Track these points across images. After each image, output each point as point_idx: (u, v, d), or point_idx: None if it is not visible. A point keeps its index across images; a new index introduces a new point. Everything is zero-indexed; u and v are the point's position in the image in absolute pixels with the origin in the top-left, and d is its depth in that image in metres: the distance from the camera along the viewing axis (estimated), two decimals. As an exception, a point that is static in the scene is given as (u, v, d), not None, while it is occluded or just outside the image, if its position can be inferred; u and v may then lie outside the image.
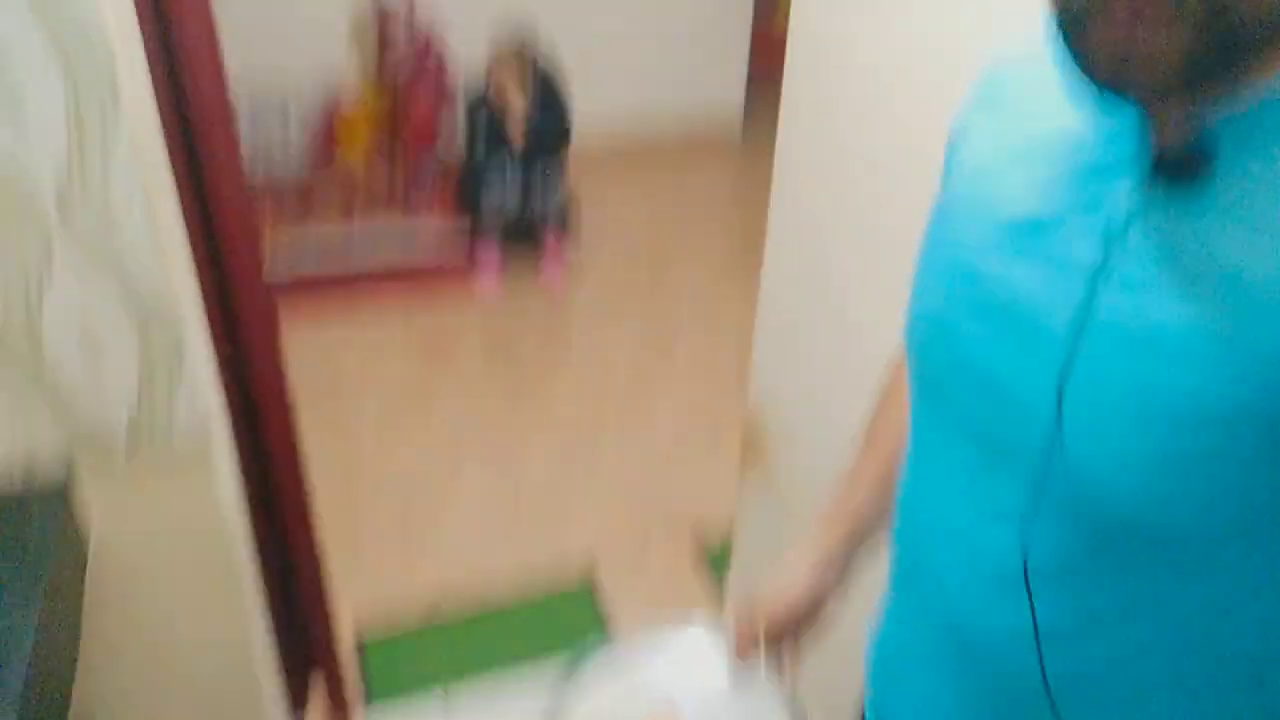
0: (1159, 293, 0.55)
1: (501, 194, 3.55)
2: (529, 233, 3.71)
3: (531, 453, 2.84)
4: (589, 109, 3.84)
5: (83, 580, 1.21)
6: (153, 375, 1.18)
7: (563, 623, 2.28)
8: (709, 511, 2.64)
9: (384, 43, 3.94)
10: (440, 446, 2.85)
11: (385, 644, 2.19)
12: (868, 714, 0.89)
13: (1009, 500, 0.63)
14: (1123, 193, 0.57)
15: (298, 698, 1.78)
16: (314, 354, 3.23)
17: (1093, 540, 0.60)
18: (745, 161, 4.91)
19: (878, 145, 1.35)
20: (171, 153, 1.21)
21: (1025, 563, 0.63)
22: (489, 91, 3.50)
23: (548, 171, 3.58)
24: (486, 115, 3.52)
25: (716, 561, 2.48)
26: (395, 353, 3.30)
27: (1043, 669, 0.64)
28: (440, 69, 4.03)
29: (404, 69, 3.99)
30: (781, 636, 0.95)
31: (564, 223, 3.75)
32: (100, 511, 1.25)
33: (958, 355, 0.66)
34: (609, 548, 2.50)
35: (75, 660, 1.13)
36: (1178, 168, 0.54)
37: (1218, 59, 0.50)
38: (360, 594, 2.29)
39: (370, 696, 2.05)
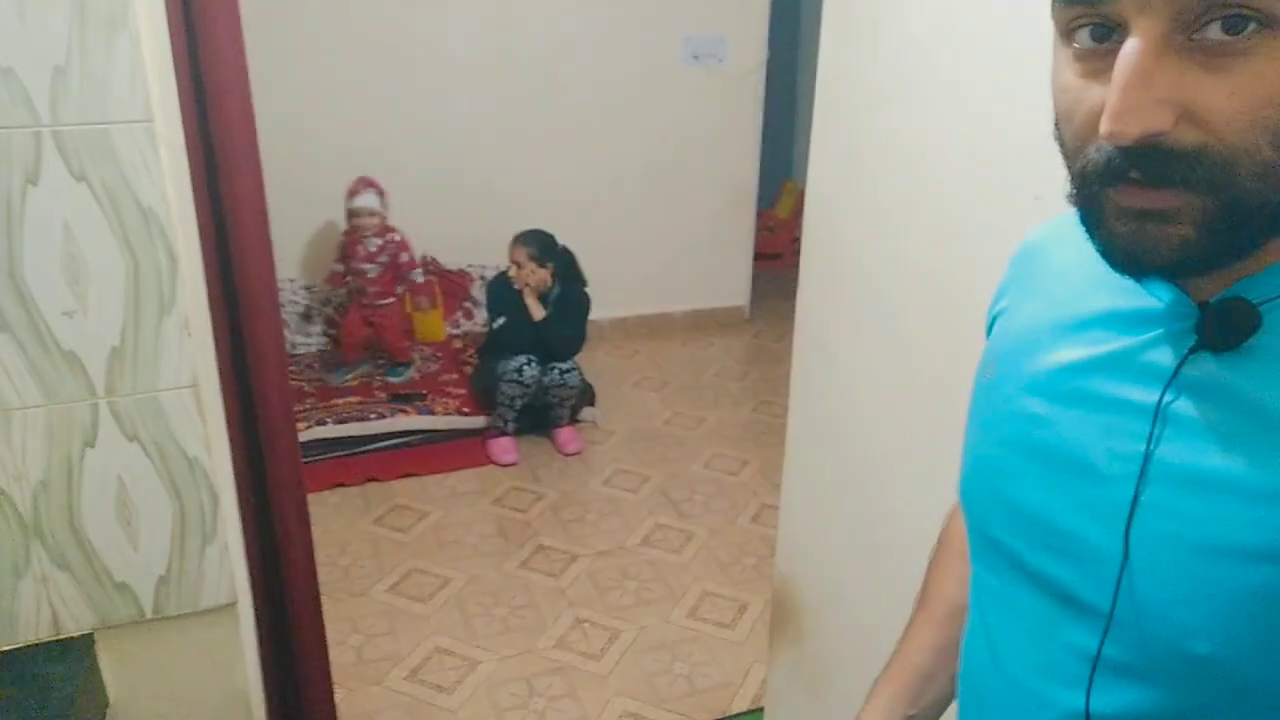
0: (1212, 438, 0.56)
1: (518, 390, 3.64)
2: (545, 413, 3.79)
3: (547, 627, 2.80)
4: (602, 300, 3.99)
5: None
6: (184, 536, 1.21)
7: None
8: (729, 681, 2.58)
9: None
10: (453, 615, 2.82)
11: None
12: None
13: (1075, 644, 0.63)
14: (1172, 340, 0.59)
15: None
16: (326, 522, 3.25)
17: (1160, 685, 0.60)
18: (753, 334, 5.07)
19: (897, 307, 1.42)
20: (215, 321, 1.29)
21: (1087, 709, 0.62)
22: (511, 281, 3.66)
23: (564, 372, 3.70)
24: (509, 298, 3.66)
25: (737, 735, 2.41)
26: (410, 520, 3.31)
27: None
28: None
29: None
30: None
31: (579, 407, 3.86)
32: (121, 666, 1.26)
33: (1013, 503, 0.67)
34: (626, 716, 2.43)
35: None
36: (1223, 318, 0.57)
37: (1233, 245, 0.53)
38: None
39: None
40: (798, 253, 5.81)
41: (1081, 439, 0.62)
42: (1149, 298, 0.62)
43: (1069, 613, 0.63)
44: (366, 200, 3.77)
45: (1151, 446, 0.59)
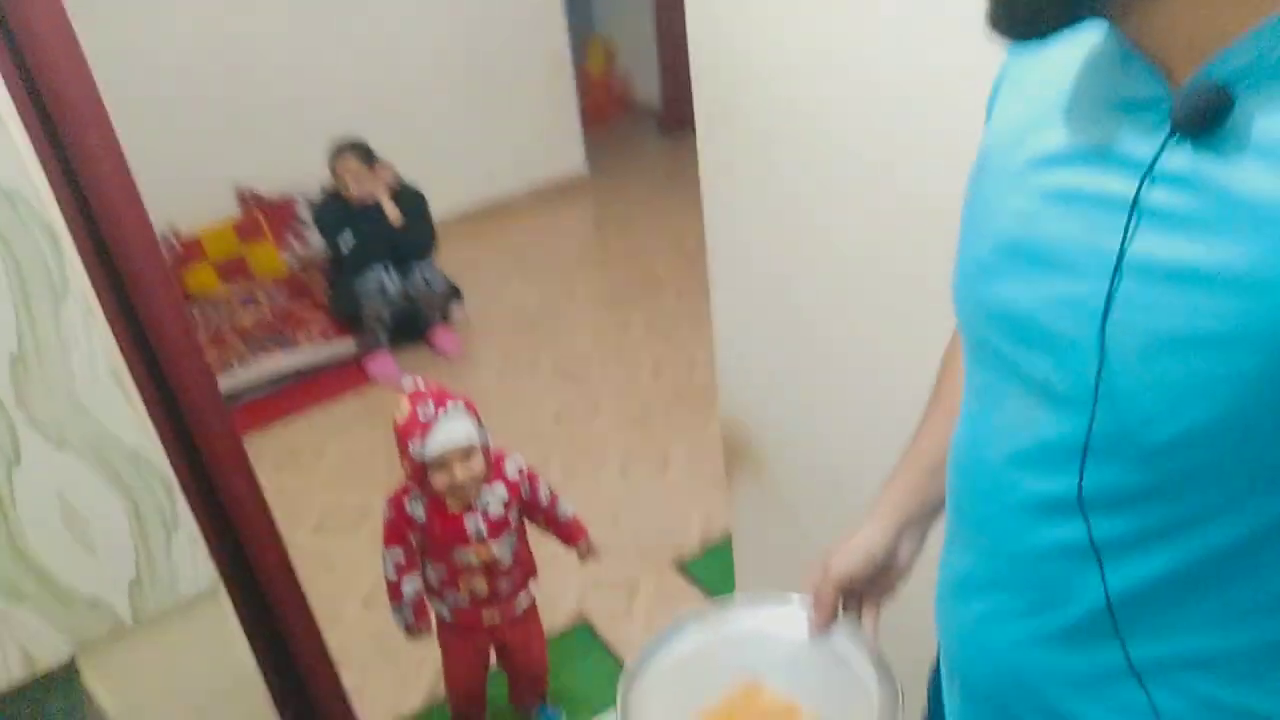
0: (1186, 229, 0.56)
1: (383, 305, 3.48)
2: (415, 321, 3.67)
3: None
4: (440, 197, 3.81)
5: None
6: (145, 533, 1.12)
7: (570, 664, 2.28)
8: (674, 528, 2.66)
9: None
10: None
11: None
12: (941, 658, 0.90)
13: (1053, 436, 0.65)
14: (1147, 131, 0.59)
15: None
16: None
17: (1128, 470, 0.62)
18: (598, 197, 5.01)
19: (795, 145, 1.41)
20: (102, 297, 1.15)
21: (1080, 492, 0.64)
22: (344, 193, 3.45)
23: (426, 276, 3.55)
24: (345, 214, 3.45)
25: (700, 569, 2.50)
26: (308, 460, 3.19)
27: (1105, 588, 0.65)
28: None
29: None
30: (857, 593, 0.95)
31: (448, 308, 3.74)
32: (113, 683, 1.18)
33: (998, 302, 0.68)
34: (592, 589, 2.48)
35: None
36: (1195, 105, 0.55)
37: None
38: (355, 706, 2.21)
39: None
40: (618, 106, 5.74)
41: (1061, 235, 0.62)
42: (1129, 84, 0.61)
43: (1048, 405, 0.65)
44: (457, 429, 1.74)
45: (1127, 240, 0.59)
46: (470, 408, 1.73)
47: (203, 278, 4.02)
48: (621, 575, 2.52)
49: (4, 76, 0.99)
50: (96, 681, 1.15)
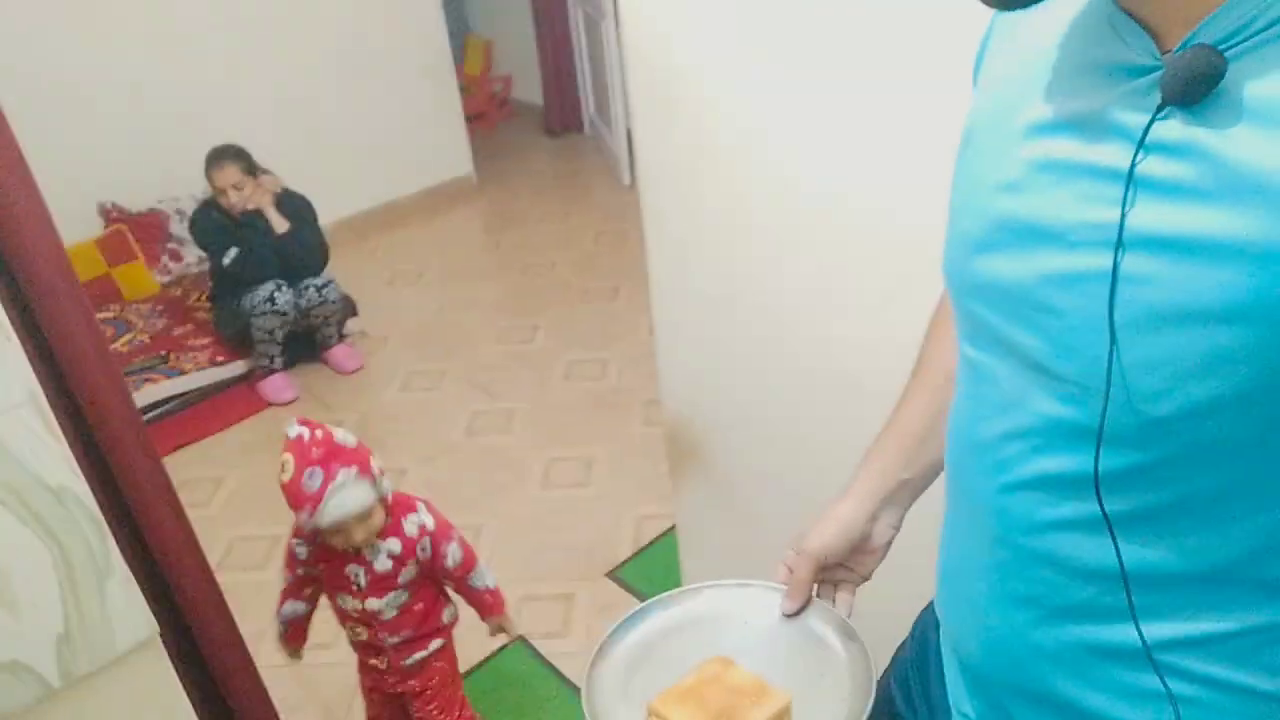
0: (1182, 200, 0.54)
1: (276, 322, 3.28)
2: (310, 337, 3.48)
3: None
4: (324, 205, 3.63)
5: None
6: (75, 581, 0.99)
7: (510, 683, 2.20)
8: (607, 535, 2.59)
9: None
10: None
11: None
12: (943, 642, 0.88)
13: (1045, 412, 0.64)
14: (1139, 98, 0.57)
15: None
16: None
17: (1121, 447, 0.61)
18: (488, 200, 4.90)
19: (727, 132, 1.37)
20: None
21: (1096, 467, 0.62)
22: (223, 203, 3.23)
23: (319, 288, 3.36)
24: (226, 227, 3.24)
25: (634, 574, 2.45)
26: (206, 494, 2.98)
27: (1120, 560, 0.64)
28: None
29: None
30: (832, 573, 0.93)
31: (344, 323, 3.57)
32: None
33: (988, 276, 0.66)
34: (525, 605, 2.39)
35: None
36: (1185, 71, 0.53)
37: None
38: None
39: None
40: (500, 107, 5.65)
41: (1052, 207, 0.60)
42: (1119, 49, 0.59)
43: (1040, 381, 0.64)
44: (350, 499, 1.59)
45: (1125, 212, 0.57)
46: (363, 464, 1.57)
47: (68, 303, 3.72)
48: (554, 589, 2.45)
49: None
50: (24, 753, 1.01)
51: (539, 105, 5.57)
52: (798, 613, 0.91)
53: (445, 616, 1.82)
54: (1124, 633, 0.66)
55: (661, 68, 1.45)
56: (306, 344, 3.50)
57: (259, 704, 1.40)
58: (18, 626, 0.96)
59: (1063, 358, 0.61)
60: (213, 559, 2.66)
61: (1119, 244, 0.57)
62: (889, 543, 0.92)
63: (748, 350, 1.57)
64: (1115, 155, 0.57)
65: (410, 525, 1.67)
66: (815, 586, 0.91)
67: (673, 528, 2.57)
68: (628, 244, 4.18)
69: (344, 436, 1.56)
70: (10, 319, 1.01)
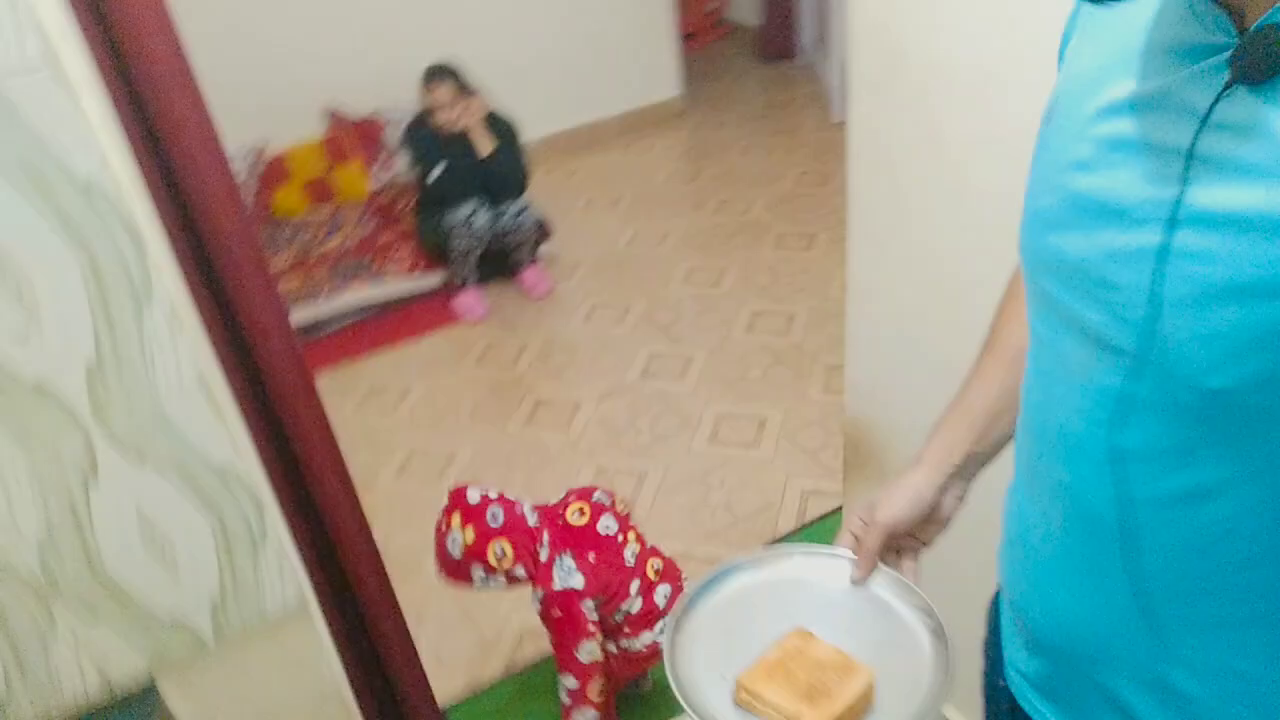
0: (1242, 177, 0.55)
1: (472, 241, 3.35)
2: (504, 257, 3.54)
3: (567, 476, 2.69)
4: (532, 122, 3.63)
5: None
6: (231, 551, 1.02)
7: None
8: (770, 502, 2.52)
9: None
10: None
11: (469, 705, 2.08)
12: (1003, 604, 0.89)
13: (1108, 386, 0.65)
14: (1208, 78, 0.57)
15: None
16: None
17: (1180, 420, 0.61)
18: (693, 126, 4.77)
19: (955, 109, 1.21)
20: (194, 294, 1.03)
21: (1116, 443, 0.65)
22: (434, 122, 3.30)
23: (516, 213, 3.40)
24: (435, 143, 3.31)
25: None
26: (393, 399, 3.12)
27: (1130, 546, 0.67)
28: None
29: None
30: (897, 542, 0.94)
31: (537, 245, 3.60)
32: (194, 703, 1.09)
33: (1059, 253, 0.67)
34: (683, 564, 2.37)
35: None
36: (1255, 50, 0.54)
37: None
38: (430, 664, 2.15)
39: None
40: (714, 27, 5.45)
41: (1120, 185, 0.61)
42: (1197, 31, 0.59)
43: (1103, 356, 0.65)
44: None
45: (1183, 190, 0.58)
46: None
47: (289, 199, 3.95)
48: (710, 551, 2.41)
49: (84, 34, 0.85)
50: (177, 702, 1.07)
51: (755, 27, 5.34)
52: (864, 580, 0.93)
53: None
54: (1194, 607, 0.67)
55: (891, 25, 1.30)
56: (500, 263, 3.56)
57: (411, 666, 1.44)
58: (178, 588, 1.01)
59: (1122, 332, 0.63)
60: (392, 466, 2.82)
61: (1175, 220, 0.58)
62: (954, 513, 0.94)
63: (948, 349, 1.43)
64: (1180, 133, 0.58)
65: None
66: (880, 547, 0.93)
67: (839, 509, 2.48)
68: (829, 187, 3.98)
69: None
70: (198, 304, 1.03)
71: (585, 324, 3.39)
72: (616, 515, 1.82)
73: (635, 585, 1.74)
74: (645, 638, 1.78)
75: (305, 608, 1.11)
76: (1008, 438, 0.91)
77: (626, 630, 1.77)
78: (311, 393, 1.16)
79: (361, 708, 1.37)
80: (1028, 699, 0.85)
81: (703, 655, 0.88)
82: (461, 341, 3.38)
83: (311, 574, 1.26)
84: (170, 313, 0.88)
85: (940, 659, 0.85)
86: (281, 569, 1.06)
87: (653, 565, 1.77)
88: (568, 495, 1.85)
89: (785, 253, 3.64)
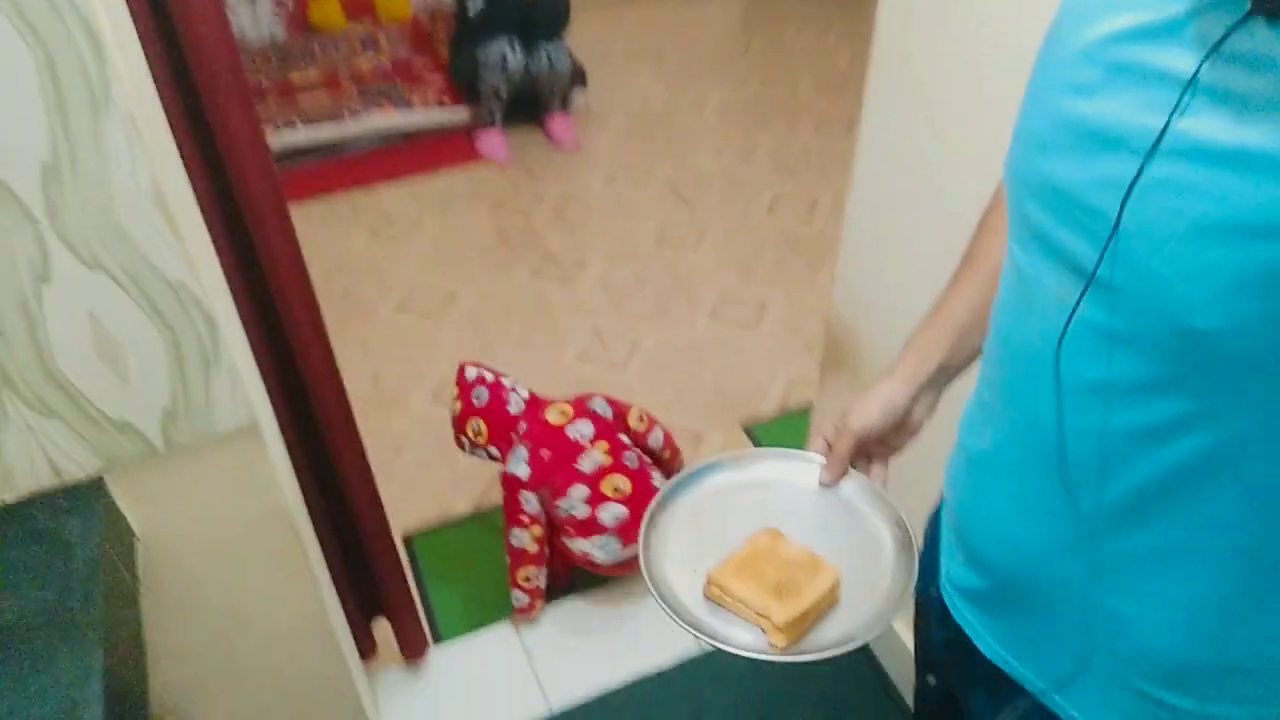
0: (1241, 111, 0.53)
1: (503, 80, 3.26)
2: (534, 101, 3.45)
3: (563, 332, 2.72)
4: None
5: (135, 578, 1.12)
6: (183, 362, 1.05)
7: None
8: (757, 386, 2.54)
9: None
10: (467, 333, 2.72)
11: (433, 536, 2.17)
12: (942, 518, 0.92)
13: (1085, 317, 0.64)
14: (1226, 8, 0.54)
15: (365, 647, 1.73)
16: (315, 240, 3.05)
17: (1158, 355, 0.61)
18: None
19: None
20: (166, 103, 1.02)
21: (1102, 376, 0.64)
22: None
23: (551, 55, 3.28)
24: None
25: (768, 436, 2.40)
26: (404, 231, 3.12)
27: (1109, 480, 0.67)
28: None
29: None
30: (868, 448, 0.96)
31: (569, 92, 3.50)
32: (141, 501, 1.14)
33: (1047, 178, 0.65)
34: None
35: (145, 669, 1.05)
36: None
37: None
38: (402, 494, 2.24)
39: (423, 589, 2.03)
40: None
41: (1118, 112, 0.59)
42: None
43: (1078, 284, 0.64)
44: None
45: (1174, 117, 0.56)
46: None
47: (328, 11, 3.84)
48: (688, 423, 2.45)
49: None
50: (125, 499, 1.11)
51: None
52: (835, 483, 0.96)
53: None
54: (1136, 538, 0.68)
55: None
56: (530, 108, 3.49)
57: (368, 499, 1.49)
58: (128, 394, 1.04)
59: (1108, 264, 0.61)
60: (393, 299, 2.84)
61: (1169, 150, 0.56)
62: (925, 422, 0.96)
63: (938, 265, 1.40)
64: (1186, 61, 0.56)
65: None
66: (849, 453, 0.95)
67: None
68: (883, 75, 3.83)
69: None
70: (173, 120, 1.02)
71: (606, 183, 3.34)
72: (599, 423, 1.85)
73: (581, 491, 1.78)
74: (580, 544, 1.83)
75: (257, 429, 1.14)
76: (979, 350, 0.90)
77: (568, 530, 1.83)
78: (283, 214, 1.16)
79: (318, 532, 1.43)
80: (960, 612, 0.88)
81: (675, 550, 0.91)
82: (480, 182, 3.34)
83: (272, 396, 1.29)
84: (128, 122, 0.87)
85: (903, 561, 0.89)
86: (234, 390, 1.08)
87: (613, 482, 1.80)
88: (574, 400, 1.90)
89: (822, 139, 3.54)
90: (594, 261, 2.99)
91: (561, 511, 1.81)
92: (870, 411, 0.93)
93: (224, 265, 1.17)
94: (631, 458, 1.85)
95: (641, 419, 1.95)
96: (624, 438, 1.89)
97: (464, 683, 1.87)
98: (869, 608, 0.86)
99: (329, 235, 3.11)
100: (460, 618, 1.99)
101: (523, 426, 1.84)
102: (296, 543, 1.26)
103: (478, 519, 2.21)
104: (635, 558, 1.82)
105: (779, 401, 2.52)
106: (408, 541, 2.16)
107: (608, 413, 1.89)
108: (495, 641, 1.94)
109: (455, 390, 1.91)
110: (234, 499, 1.18)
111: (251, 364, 1.22)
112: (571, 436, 1.82)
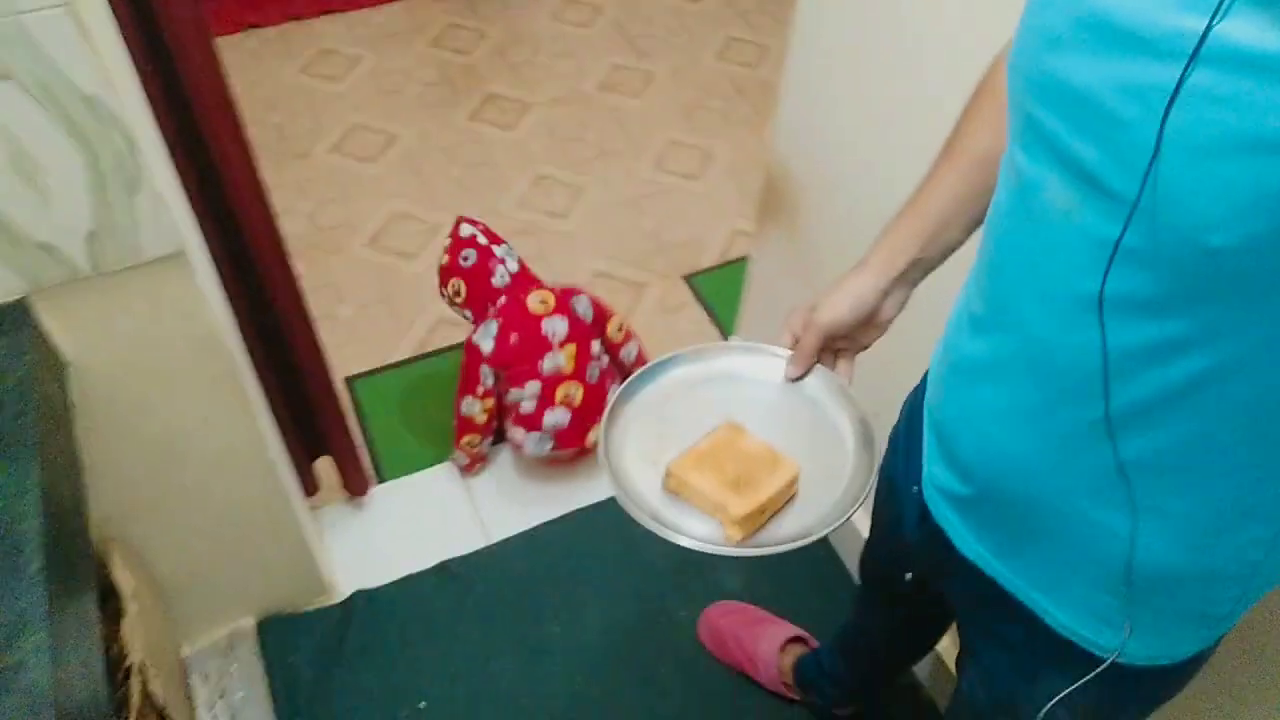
0: None
1: None
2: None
3: (504, 178, 2.68)
4: None
5: (69, 403, 1.12)
6: (104, 180, 1.02)
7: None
8: (698, 237, 2.55)
9: None
10: (406, 177, 2.66)
11: (375, 379, 2.18)
12: (925, 414, 0.91)
13: (1095, 230, 0.61)
14: None
15: (308, 485, 1.76)
16: (246, 74, 2.92)
17: (1171, 274, 0.58)
18: None
19: None
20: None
21: (1103, 291, 0.62)
22: None
23: None
24: None
25: (709, 286, 2.43)
26: (340, 68, 2.99)
27: (1107, 397, 0.65)
28: None
29: None
30: (835, 343, 0.95)
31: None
32: (70, 327, 1.13)
33: (1059, 79, 0.61)
34: (597, 282, 2.42)
35: (82, 486, 1.07)
36: None
37: None
38: (343, 338, 2.24)
39: (366, 431, 2.06)
40: None
41: (1146, 10, 0.55)
42: None
43: (1094, 197, 0.61)
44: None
45: (1215, 20, 0.51)
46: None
47: None
48: (629, 274, 2.46)
49: None
50: (55, 325, 1.10)
51: None
52: (800, 378, 0.94)
53: None
54: (1142, 453, 0.67)
55: None
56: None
57: (302, 326, 1.48)
58: (49, 214, 1.01)
59: (1121, 174, 0.58)
60: (330, 138, 2.76)
61: (1201, 55, 0.52)
62: (894, 318, 0.93)
63: (879, 115, 1.40)
64: None
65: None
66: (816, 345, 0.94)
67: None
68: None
69: None
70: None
71: (551, 21, 3.22)
72: (575, 325, 1.83)
73: (534, 388, 1.80)
74: (515, 432, 1.87)
75: (185, 256, 1.12)
76: (955, 246, 0.89)
77: (509, 413, 1.86)
78: (205, 40, 1.11)
79: (258, 374, 1.43)
80: (945, 516, 0.88)
81: (635, 443, 0.90)
82: (420, 17, 3.20)
83: (207, 238, 1.27)
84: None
85: (864, 459, 0.88)
86: (158, 214, 1.06)
87: (567, 389, 1.82)
88: (560, 292, 1.86)
89: (774, -19, 3.43)
90: (537, 105, 2.91)
91: (509, 398, 1.83)
92: (839, 306, 0.90)
93: (149, 96, 1.12)
94: (594, 370, 1.86)
95: (620, 329, 1.94)
96: (596, 345, 1.88)
97: (406, 517, 1.93)
98: (827, 503, 0.85)
99: (261, 70, 2.97)
100: (402, 458, 2.03)
101: (501, 301, 1.83)
102: (231, 368, 1.27)
103: (421, 363, 2.23)
104: (560, 455, 1.88)
105: (720, 252, 2.54)
106: (349, 384, 2.17)
107: (588, 315, 1.88)
108: (437, 480, 1.99)
109: (448, 242, 1.88)
110: (165, 325, 1.17)
111: (178, 193, 1.19)
112: (544, 331, 1.81)
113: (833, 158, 1.54)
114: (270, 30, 3.11)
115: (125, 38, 1.08)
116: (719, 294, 2.41)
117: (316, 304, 1.56)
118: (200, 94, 1.17)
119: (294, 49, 3.06)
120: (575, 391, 1.83)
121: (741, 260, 2.48)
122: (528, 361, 1.80)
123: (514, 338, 1.79)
